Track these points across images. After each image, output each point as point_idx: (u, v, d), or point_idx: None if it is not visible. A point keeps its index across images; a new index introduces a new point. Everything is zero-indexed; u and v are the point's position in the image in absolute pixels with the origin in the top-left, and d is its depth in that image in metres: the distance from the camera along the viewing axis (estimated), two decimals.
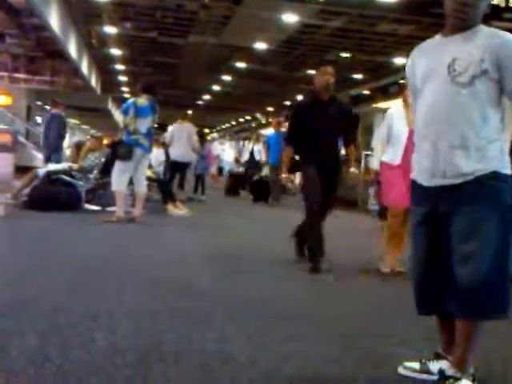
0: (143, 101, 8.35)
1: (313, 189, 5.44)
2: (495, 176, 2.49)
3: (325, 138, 5.47)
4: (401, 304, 4.32)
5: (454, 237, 2.53)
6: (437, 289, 2.64)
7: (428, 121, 2.60)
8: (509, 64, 2.46)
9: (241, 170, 18.66)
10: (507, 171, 2.52)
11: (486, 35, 2.53)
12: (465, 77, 2.49)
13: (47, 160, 12.12)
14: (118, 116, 9.44)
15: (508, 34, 2.53)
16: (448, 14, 2.60)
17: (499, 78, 2.47)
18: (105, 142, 12.27)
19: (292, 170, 5.85)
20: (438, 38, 2.67)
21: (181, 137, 12.33)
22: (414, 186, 2.70)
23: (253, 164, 16.04)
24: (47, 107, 14.81)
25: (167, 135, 12.87)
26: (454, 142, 2.51)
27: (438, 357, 2.76)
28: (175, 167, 12.50)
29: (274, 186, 13.46)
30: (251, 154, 16.59)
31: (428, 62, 2.63)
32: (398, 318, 3.93)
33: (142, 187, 8.57)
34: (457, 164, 2.51)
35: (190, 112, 36.96)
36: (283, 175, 5.95)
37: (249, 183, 15.35)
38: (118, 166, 8.28)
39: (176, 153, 12.33)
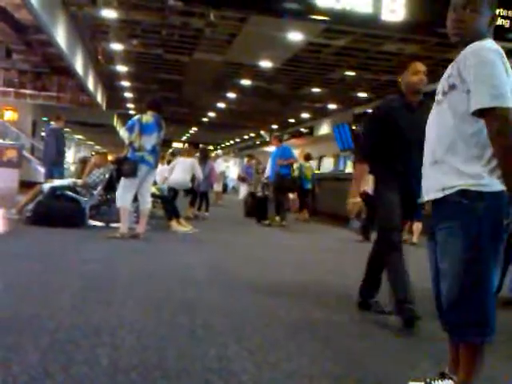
0: (148, 118, 8.38)
1: (394, 216, 4.35)
2: (464, 193, 2.44)
3: (415, 153, 3.69)
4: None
5: (437, 254, 2.58)
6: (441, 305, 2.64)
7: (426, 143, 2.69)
8: (466, 75, 2.42)
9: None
10: (482, 188, 2.42)
11: (464, 52, 2.51)
12: (440, 94, 2.57)
13: (48, 175, 12.13)
14: (122, 132, 9.49)
15: (481, 45, 2.47)
16: (448, 33, 2.64)
17: (467, 90, 2.43)
18: (109, 158, 12.30)
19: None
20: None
21: (182, 168, 12.46)
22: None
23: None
24: (52, 123, 14.83)
25: (167, 169, 13.08)
26: (430, 159, 2.58)
27: (443, 376, 2.74)
28: (175, 191, 12.67)
29: (273, 204, 13.12)
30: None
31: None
32: (402, 337, 3.91)
33: (146, 204, 8.59)
34: (433, 181, 2.57)
35: (194, 129, 37.10)
36: (352, 199, 4.49)
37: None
38: (123, 182, 8.30)
39: (174, 179, 12.45)
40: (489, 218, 2.42)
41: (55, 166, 12.48)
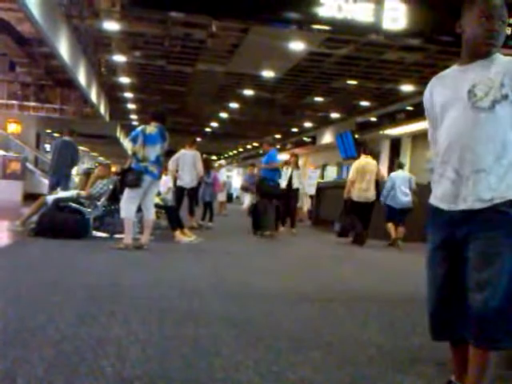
0: (152, 128, 8.42)
1: None
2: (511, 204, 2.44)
3: None
4: (412, 331, 4.30)
5: (470, 263, 2.49)
6: (452, 315, 2.60)
7: (450, 147, 2.58)
8: None
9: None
10: None
11: (505, 61, 2.53)
12: (485, 102, 2.48)
13: (55, 185, 12.15)
14: (126, 143, 9.56)
15: None
16: (471, 41, 2.60)
17: None
18: (113, 169, 12.34)
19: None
20: (455, 67, 2.68)
21: (186, 164, 12.45)
22: (434, 212, 2.67)
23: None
24: (56, 135, 14.87)
25: (170, 162, 12.95)
26: (475, 167, 2.49)
27: None
28: (182, 193, 12.60)
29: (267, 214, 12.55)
30: (290, 180, 13.95)
31: (447, 91, 2.63)
32: (408, 345, 3.89)
33: (150, 215, 8.61)
34: (476, 190, 2.48)
35: (198, 139, 37.18)
36: None
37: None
38: (127, 193, 8.32)
39: (183, 180, 12.48)
40: None
41: (65, 178, 12.51)
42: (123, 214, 8.34)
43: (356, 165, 11.96)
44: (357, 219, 11.63)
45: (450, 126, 2.59)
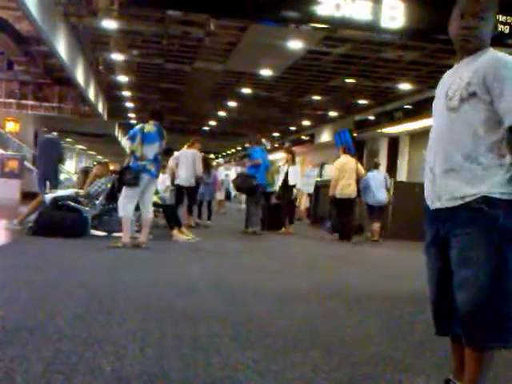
0: (150, 127, 8.42)
1: None
2: (486, 200, 2.43)
3: None
4: (411, 330, 4.31)
5: (452, 261, 2.52)
6: (448, 311, 2.61)
7: (429, 147, 2.65)
8: (491, 84, 2.41)
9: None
10: (502, 196, 2.42)
11: (484, 59, 2.51)
12: (454, 101, 2.51)
13: (44, 184, 12.10)
14: (124, 142, 9.50)
15: (505, 54, 2.50)
16: (453, 40, 2.63)
17: (491, 99, 2.43)
18: (111, 168, 12.32)
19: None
20: (454, 67, 2.70)
21: (185, 162, 12.44)
22: (425, 209, 2.70)
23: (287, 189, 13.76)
24: (54, 133, 14.85)
25: (170, 160, 12.93)
26: (445, 166, 2.52)
27: (448, 383, 2.72)
28: (181, 192, 12.59)
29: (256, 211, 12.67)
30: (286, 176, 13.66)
31: (438, 91, 2.68)
32: (407, 344, 3.90)
33: (148, 213, 8.61)
34: (449, 188, 2.51)
35: (198, 137, 37.19)
36: None
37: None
38: (125, 192, 8.31)
39: (180, 177, 12.47)
40: (509, 225, 2.42)
41: (53, 175, 12.43)
42: (121, 212, 8.34)
43: (337, 164, 12.54)
44: (342, 216, 12.33)
45: (433, 126, 2.66)
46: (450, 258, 2.53)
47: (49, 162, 12.50)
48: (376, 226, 12.75)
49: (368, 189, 12.46)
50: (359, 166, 12.71)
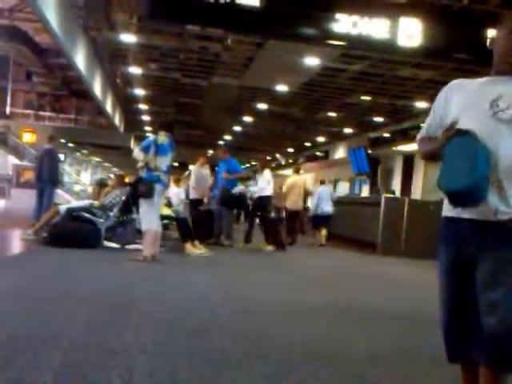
0: (163, 138, 8.43)
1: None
2: None
3: None
4: (422, 350, 4.27)
5: (479, 284, 2.41)
6: (463, 335, 2.53)
7: None
8: None
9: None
10: None
11: None
12: (507, 114, 2.42)
13: (40, 195, 11.98)
14: (136, 153, 9.47)
15: None
16: (499, 58, 2.55)
17: None
18: (127, 180, 12.35)
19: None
20: (480, 79, 2.63)
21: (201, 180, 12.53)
22: (444, 229, 2.59)
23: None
24: (70, 145, 14.92)
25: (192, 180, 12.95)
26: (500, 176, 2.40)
27: None
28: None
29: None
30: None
31: (467, 96, 2.57)
32: (417, 364, 3.87)
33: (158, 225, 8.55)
34: (491, 200, 2.38)
35: (210, 152, 37.38)
36: None
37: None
38: (145, 205, 8.26)
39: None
40: None
41: (49, 185, 12.27)
42: (144, 226, 8.26)
43: (288, 182, 15.19)
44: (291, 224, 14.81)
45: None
46: (472, 280, 2.43)
47: (44, 172, 12.22)
48: (323, 232, 15.15)
49: (319, 202, 15.17)
50: (306, 184, 15.28)
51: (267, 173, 12.55)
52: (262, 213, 12.56)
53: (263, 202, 12.32)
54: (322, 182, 16.68)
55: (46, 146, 12.57)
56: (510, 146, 2.41)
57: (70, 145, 34.94)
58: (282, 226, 13.77)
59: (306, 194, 15.14)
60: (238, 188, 12.27)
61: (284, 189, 15.08)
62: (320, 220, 15.24)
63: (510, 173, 2.39)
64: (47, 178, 11.94)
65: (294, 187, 14.59)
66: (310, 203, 15.35)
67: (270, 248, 11.81)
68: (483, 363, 2.45)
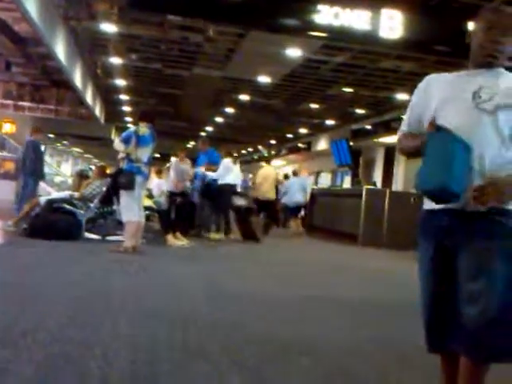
0: (144, 130, 8.39)
1: None
2: (506, 212, 2.39)
3: None
4: (402, 343, 4.30)
5: (461, 274, 2.43)
6: (442, 326, 2.54)
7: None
8: None
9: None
10: None
11: None
12: (489, 105, 2.44)
13: (23, 188, 11.91)
14: (117, 144, 9.36)
15: None
16: (477, 52, 2.57)
17: None
18: (108, 171, 12.25)
19: None
20: (457, 72, 2.64)
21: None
22: (425, 219, 2.60)
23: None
24: (51, 135, 14.79)
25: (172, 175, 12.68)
26: (471, 166, 2.40)
27: None
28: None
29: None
30: None
31: (445, 90, 2.57)
32: (397, 357, 3.89)
33: (140, 217, 8.52)
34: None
35: (191, 143, 37.24)
36: None
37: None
38: (125, 197, 8.22)
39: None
40: None
41: (31, 179, 12.21)
42: (124, 217, 8.24)
43: (260, 172, 15.62)
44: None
45: (447, 122, 2.48)
46: (453, 272, 2.44)
47: (33, 165, 12.20)
48: (297, 221, 16.70)
49: (289, 192, 16.41)
50: (278, 175, 16.26)
51: (227, 161, 12.30)
52: (220, 201, 12.23)
53: (222, 190, 12.13)
54: (295, 174, 17.39)
55: (29, 138, 12.46)
56: (493, 137, 2.43)
57: (51, 135, 34.64)
58: (255, 216, 13.17)
59: (277, 184, 15.80)
60: (199, 170, 12.23)
61: (257, 180, 15.58)
62: (292, 210, 16.61)
63: (494, 163, 2.40)
64: (30, 171, 11.86)
65: (265, 178, 15.06)
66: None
67: (217, 237, 11.64)
68: (463, 354, 2.46)
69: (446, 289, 2.50)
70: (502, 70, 2.57)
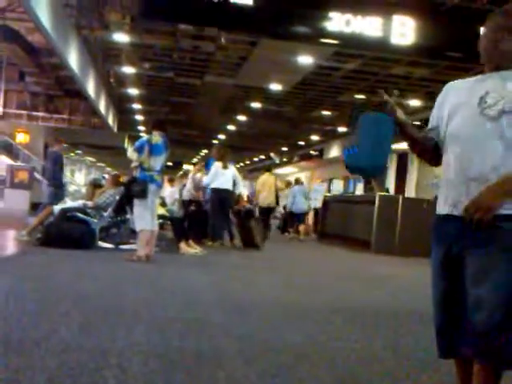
0: (157, 138, 8.41)
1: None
2: (506, 218, 2.36)
3: None
4: (415, 347, 4.27)
5: (466, 280, 2.43)
6: (454, 332, 2.53)
7: (452, 149, 2.52)
8: None
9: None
10: None
11: None
12: (493, 110, 2.41)
13: (53, 197, 12.10)
14: (130, 153, 9.34)
15: None
16: (483, 55, 2.57)
17: None
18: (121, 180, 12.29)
19: None
20: (475, 77, 2.64)
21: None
22: (436, 225, 2.60)
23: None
24: (64, 145, 14.89)
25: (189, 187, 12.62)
26: (472, 174, 2.42)
27: None
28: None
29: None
30: None
31: (459, 96, 2.57)
32: (412, 361, 3.87)
33: (154, 225, 8.55)
34: (470, 197, 2.40)
35: (204, 151, 37.24)
36: None
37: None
38: (138, 206, 8.25)
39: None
40: None
41: (54, 188, 12.41)
42: (138, 226, 8.26)
43: (259, 180, 16.26)
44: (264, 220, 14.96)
45: (456, 128, 2.52)
46: (461, 277, 2.44)
47: (48, 174, 12.55)
48: (301, 228, 17.24)
49: (294, 200, 16.93)
50: (277, 182, 16.54)
51: (215, 166, 11.80)
52: (211, 207, 11.86)
53: (211, 196, 11.84)
54: (297, 182, 17.87)
55: (51, 149, 12.68)
56: (496, 144, 2.41)
57: (64, 145, 34.86)
58: (256, 223, 12.43)
59: (277, 191, 16.26)
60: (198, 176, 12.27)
61: (257, 187, 16.24)
62: (296, 217, 17.26)
63: (496, 172, 2.38)
64: (50, 181, 12.13)
65: (264, 185, 15.68)
66: (285, 201, 17.35)
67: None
68: (475, 358, 2.45)
69: (455, 294, 2.50)
70: None
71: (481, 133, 2.44)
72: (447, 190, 2.53)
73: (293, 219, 17.57)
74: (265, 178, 16.06)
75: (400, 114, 2.65)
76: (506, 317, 2.35)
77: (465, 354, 2.50)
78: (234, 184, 11.96)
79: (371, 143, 2.64)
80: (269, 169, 17.27)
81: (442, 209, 2.54)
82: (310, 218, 21.10)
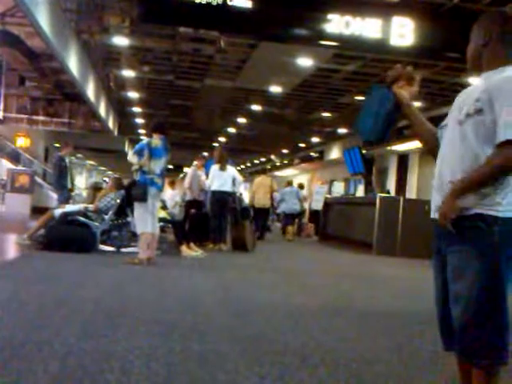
0: (157, 141, 8.40)
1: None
2: (481, 218, 2.41)
3: None
4: (418, 348, 4.27)
5: (448, 277, 2.53)
6: (449, 327, 2.57)
7: (438, 154, 2.62)
8: (496, 102, 2.37)
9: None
10: (497, 214, 2.40)
11: (496, 77, 2.47)
12: (462, 115, 2.48)
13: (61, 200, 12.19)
14: (130, 157, 9.29)
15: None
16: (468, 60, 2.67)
17: (494, 118, 2.37)
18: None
19: None
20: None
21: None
22: (433, 224, 2.66)
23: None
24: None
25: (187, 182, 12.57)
26: (446, 178, 2.50)
27: None
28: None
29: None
30: None
31: (457, 99, 2.62)
32: (415, 362, 3.87)
33: (155, 228, 8.54)
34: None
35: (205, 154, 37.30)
36: None
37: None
38: (138, 209, 8.25)
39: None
40: (504, 243, 2.40)
41: (59, 191, 12.52)
42: (138, 229, 8.26)
43: (255, 181, 16.69)
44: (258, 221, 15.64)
45: (442, 133, 2.64)
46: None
47: (53, 179, 12.69)
48: (290, 229, 17.72)
49: (284, 201, 17.90)
50: (273, 184, 16.43)
51: (212, 168, 11.85)
52: (211, 208, 11.81)
53: (211, 198, 11.77)
54: (289, 184, 18.64)
55: (57, 153, 12.74)
56: (458, 147, 2.48)
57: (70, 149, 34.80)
58: (250, 225, 12.25)
59: (272, 192, 16.53)
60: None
61: (252, 189, 16.68)
62: (288, 217, 18.06)
63: (458, 173, 2.45)
64: (51, 185, 12.25)
65: (260, 186, 16.09)
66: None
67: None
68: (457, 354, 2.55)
69: (447, 292, 2.57)
70: (500, 70, 2.52)
71: (453, 137, 2.53)
72: (433, 193, 2.64)
73: (286, 221, 18.22)
74: (260, 179, 16.57)
75: (400, 91, 3.01)
76: (478, 312, 2.42)
77: (455, 351, 2.57)
78: (234, 184, 11.96)
79: (363, 108, 2.94)
80: (264, 171, 18.15)
81: (432, 212, 2.63)
82: (306, 219, 21.49)
